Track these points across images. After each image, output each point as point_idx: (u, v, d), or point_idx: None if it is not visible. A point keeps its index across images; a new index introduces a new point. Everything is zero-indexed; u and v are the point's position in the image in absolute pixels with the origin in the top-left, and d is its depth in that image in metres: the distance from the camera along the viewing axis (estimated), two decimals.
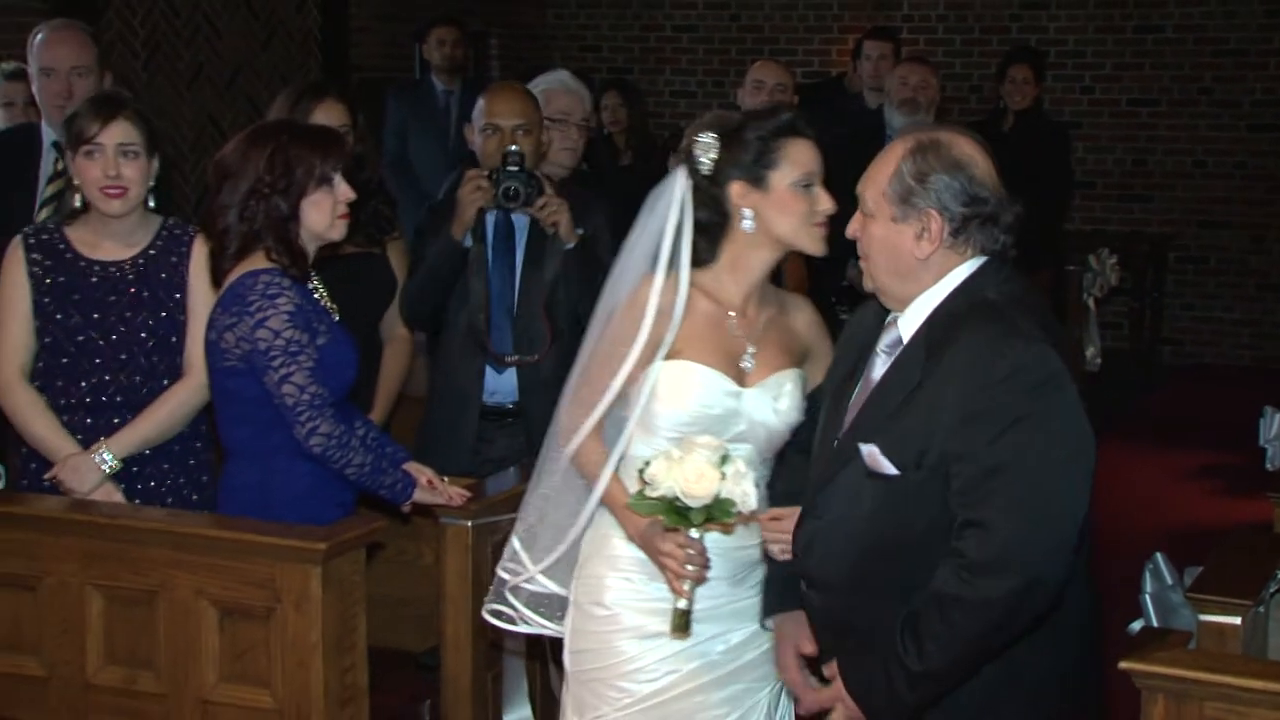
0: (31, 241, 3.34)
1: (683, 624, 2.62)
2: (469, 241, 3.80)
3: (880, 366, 2.46)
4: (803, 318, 2.88)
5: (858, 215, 2.47)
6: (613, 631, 2.76)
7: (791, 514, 2.55)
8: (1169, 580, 2.92)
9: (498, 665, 3.35)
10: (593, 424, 2.73)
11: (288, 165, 3.06)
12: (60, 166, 3.86)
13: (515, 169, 3.71)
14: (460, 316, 3.87)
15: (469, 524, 3.25)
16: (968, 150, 2.38)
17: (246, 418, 3.11)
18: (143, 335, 3.33)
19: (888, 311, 2.51)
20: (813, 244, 2.73)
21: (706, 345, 2.71)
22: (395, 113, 6.75)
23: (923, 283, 2.41)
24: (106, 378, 3.31)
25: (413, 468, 3.22)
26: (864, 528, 2.40)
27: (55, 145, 4.11)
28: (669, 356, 2.69)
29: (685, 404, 2.69)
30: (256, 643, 2.97)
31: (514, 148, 3.74)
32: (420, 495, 3.18)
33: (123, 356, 3.32)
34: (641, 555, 2.70)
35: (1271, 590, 2.86)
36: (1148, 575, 2.93)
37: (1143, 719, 2.39)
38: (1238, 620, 2.72)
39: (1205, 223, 9.28)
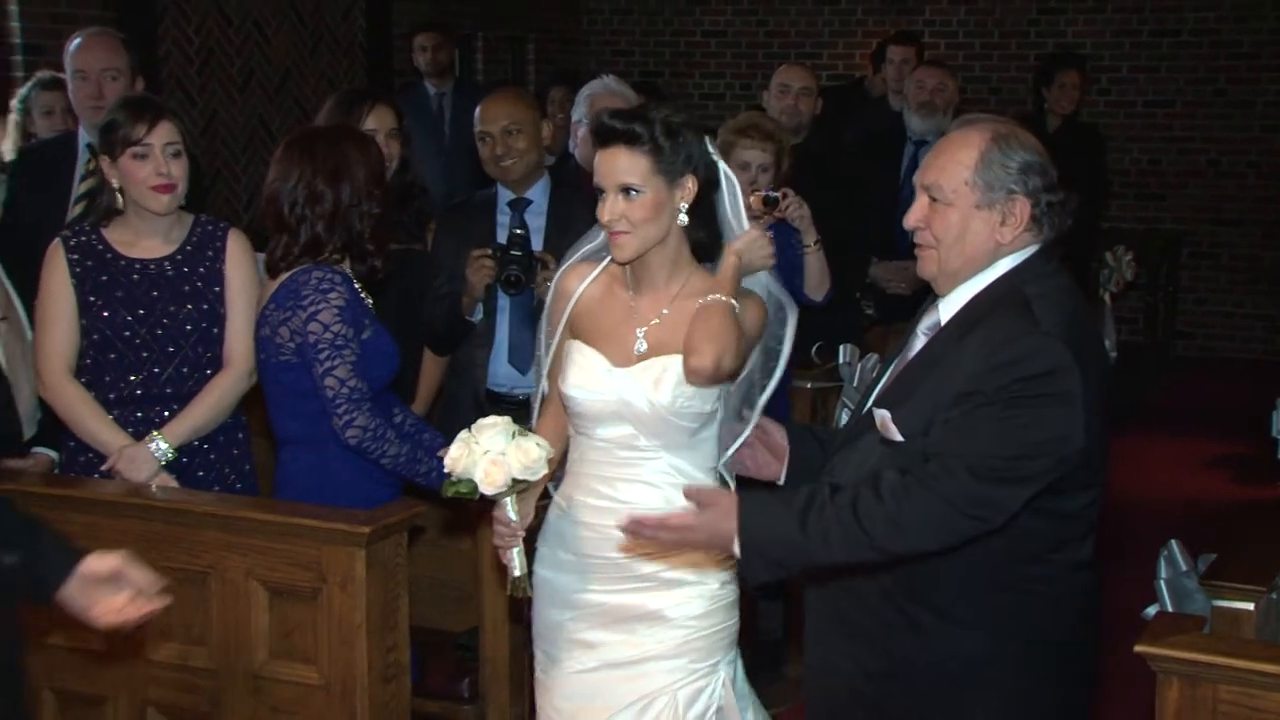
0: (71, 243, 3.34)
1: (515, 587, 2.71)
2: (479, 316, 3.79)
3: (917, 346, 2.47)
4: (745, 314, 2.68)
5: (921, 204, 2.42)
6: None
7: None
8: (1183, 567, 2.88)
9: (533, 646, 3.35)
10: (537, 399, 2.86)
11: (379, 178, 3.14)
12: (92, 166, 3.89)
13: (518, 253, 3.66)
14: (480, 321, 3.83)
15: None
16: (1034, 139, 2.39)
17: (299, 410, 3.12)
18: (187, 328, 3.34)
19: None
20: (612, 251, 2.70)
21: (599, 328, 2.74)
22: None
23: (977, 269, 2.39)
24: (156, 370, 3.32)
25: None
26: None
27: (88, 147, 4.14)
28: (575, 338, 2.76)
29: (571, 380, 2.72)
30: (304, 622, 2.98)
31: (519, 231, 3.71)
32: None
33: (170, 349, 3.33)
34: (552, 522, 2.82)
35: None
36: (1162, 562, 2.89)
37: (1158, 702, 2.37)
38: (1251, 606, 2.70)
39: (1218, 220, 9.21)
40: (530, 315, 3.77)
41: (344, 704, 2.96)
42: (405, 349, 3.34)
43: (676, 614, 2.70)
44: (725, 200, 2.73)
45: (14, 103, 4.91)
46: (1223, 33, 9.03)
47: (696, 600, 2.71)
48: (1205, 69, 9.10)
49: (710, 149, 2.70)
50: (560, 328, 2.78)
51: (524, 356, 3.79)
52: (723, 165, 2.73)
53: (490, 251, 3.68)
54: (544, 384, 2.84)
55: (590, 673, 2.73)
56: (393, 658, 3.01)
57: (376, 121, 3.77)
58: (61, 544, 2.27)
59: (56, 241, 3.36)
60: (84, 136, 4.20)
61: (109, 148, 3.30)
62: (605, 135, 2.65)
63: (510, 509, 2.64)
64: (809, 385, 4.34)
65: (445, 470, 2.60)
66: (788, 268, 3.72)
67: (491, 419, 2.60)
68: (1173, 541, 2.94)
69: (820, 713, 2.58)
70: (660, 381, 2.66)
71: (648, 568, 2.70)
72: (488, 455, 2.55)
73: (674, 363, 2.66)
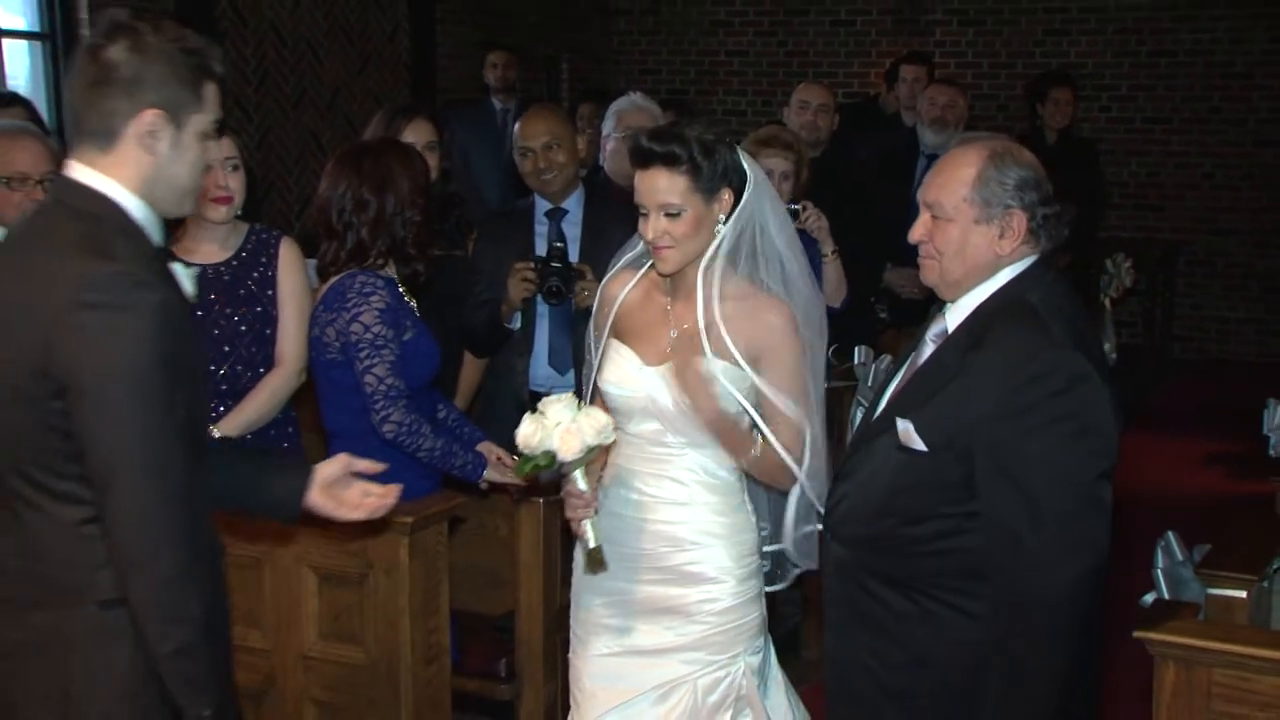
0: None
1: (592, 560, 2.67)
2: (517, 324, 3.79)
3: (926, 353, 2.45)
4: (766, 320, 2.66)
5: (923, 220, 2.41)
6: None
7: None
8: (1179, 557, 2.86)
9: (566, 629, 3.35)
10: (588, 392, 2.83)
11: (423, 189, 3.16)
12: None
13: (558, 264, 3.64)
14: (517, 330, 3.83)
15: (541, 500, 3.26)
16: (1030, 155, 2.37)
17: (345, 405, 3.14)
18: (242, 329, 3.37)
19: None
20: (656, 264, 2.68)
21: (637, 329, 2.74)
22: (455, 130, 6.81)
23: (979, 279, 2.38)
24: (213, 368, 3.34)
25: (485, 448, 3.23)
26: (881, 494, 2.40)
27: None
28: (616, 338, 2.75)
29: (607, 376, 2.73)
30: (351, 605, 3.00)
31: (558, 244, 3.69)
32: (490, 473, 3.17)
33: (226, 349, 3.35)
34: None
35: (1275, 567, 2.81)
36: (1159, 552, 2.87)
37: (1155, 685, 2.36)
38: (1244, 594, 2.68)
39: (1213, 230, 9.14)
40: (568, 321, 3.78)
41: (389, 682, 2.97)
42: (444, 349, 3.35)
43: (697, 609, 2.69)
44: (760, 203, 2.68)
45: None
46: (1217, 54, 8.97)
47: (718, 596, 2.69)
48: (1200, 87, 9.03)
49: (742, 157, 2.68)
50: (605, 331, 2.77)
51: (563, 359, 3.79)
52: (752, 170, 2.68)
53: (531, 264, 3.68)
54: (593, 384, 2.82)
55: (614, 656, 2.73)
56: (434, 639, 3.02)
57: (414, 135, 3.76)
58: (290, 466, 2.38)
59: None
60: None
61: None
62: (644, 157, 2.61)
63: (581, 481, 2.61)
64: (826, 385, 4.31)
65: (519, 448, 2.56)
66: None
67: (555, 396, 2.57)
68: (1169, 533, 2.92)
69: (841, 699, 2.56)
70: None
71: (672, 561, 2.70)
72: (560, 426, 2.51)
73: (703, 364, 2.65)
